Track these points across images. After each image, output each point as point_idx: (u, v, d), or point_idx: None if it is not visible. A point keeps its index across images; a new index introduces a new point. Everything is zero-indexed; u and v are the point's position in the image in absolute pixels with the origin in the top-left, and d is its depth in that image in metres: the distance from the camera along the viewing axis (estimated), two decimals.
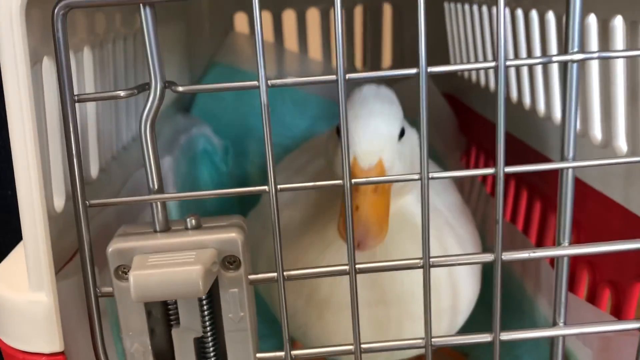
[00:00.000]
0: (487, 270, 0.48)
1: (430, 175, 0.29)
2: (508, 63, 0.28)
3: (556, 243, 0.32)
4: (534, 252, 0.31)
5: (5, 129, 0.29)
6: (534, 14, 0.52)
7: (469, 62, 0.76)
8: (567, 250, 0.31)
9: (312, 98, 0.87)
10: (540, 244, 0.56)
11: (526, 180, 0.60)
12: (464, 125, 0.81)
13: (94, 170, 0.43)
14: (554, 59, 0.29)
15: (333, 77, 0.28)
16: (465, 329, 0.47)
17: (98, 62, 0.43)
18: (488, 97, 0.71)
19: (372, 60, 0.91)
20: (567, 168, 0.30)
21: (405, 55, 0.89)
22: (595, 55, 0.29)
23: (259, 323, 0.57)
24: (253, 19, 0.95)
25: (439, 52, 0.82)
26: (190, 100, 0.85)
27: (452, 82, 0.84)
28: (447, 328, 0.45)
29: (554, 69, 0.51)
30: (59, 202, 0.35)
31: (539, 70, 0.53)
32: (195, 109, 0.84)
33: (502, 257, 0.31)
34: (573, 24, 0.28)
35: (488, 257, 0.31)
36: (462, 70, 0.29)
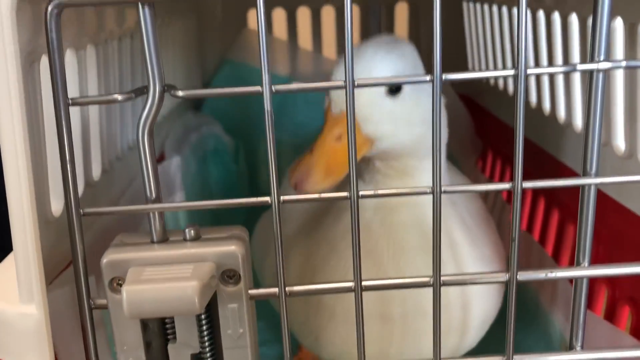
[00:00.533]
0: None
1: (443, 189, 0.28)
2: (529, 71, 0.26)
3: (575, 262, 0.30)
4: (551, 273, 0.29)
5: None
6: (556, 16, 0.50)
7: (487, 63, 0.74)
8: (586, 271, 0.29)
9: (325, 96, 0.85)
10: (557, 254, 0.54)
11: (544, 189, 0.58)
12: (480, 128, 0.79)
13: (95, 172, 0.41)
14: (579, 67, 0.27)
15: (341, 82, 0.27)
16: (482, 346, 0.45)
17: (102, 60, 0.42)
18: (506, 100, 0.69)
19: None
20: (590, 185, 0.28)
21: (422, 54, 0.87)
22: (623, 64, 0.27)
23: (264, 328, 0.55)
24: (267, 16, 0.93)
25: (457, 52, 0.80)
26: (201, 98, 0.84)
27: (468, 84, 0.82)
28: (454, 347, 0.43)
29: (576, 74, 0.49)
30: (57, 207, 0.34)
31: (560, 74, 0.51)
32: (206, 107, 0.83)
33: (518, 277, 0.29)
34: (600, 31, 0.26)
35: (502, 277, 0.29)
36: (480, 78, 0.27)
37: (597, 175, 0.28)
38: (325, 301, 0.42)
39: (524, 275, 0.29)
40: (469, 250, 0.43)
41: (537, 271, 0.29)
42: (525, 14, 0.26)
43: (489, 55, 0.72)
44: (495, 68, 0.70)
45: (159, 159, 0.59)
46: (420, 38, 0.86)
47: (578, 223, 0.29)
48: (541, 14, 0.52)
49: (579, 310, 0.30)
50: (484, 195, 0.71)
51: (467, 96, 0.82)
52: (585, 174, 0.28)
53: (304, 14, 0.86)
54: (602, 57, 0.27)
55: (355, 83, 0.26)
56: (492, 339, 0.44)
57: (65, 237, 0.33)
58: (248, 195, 0.84)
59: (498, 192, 0.68)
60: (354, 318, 0.40)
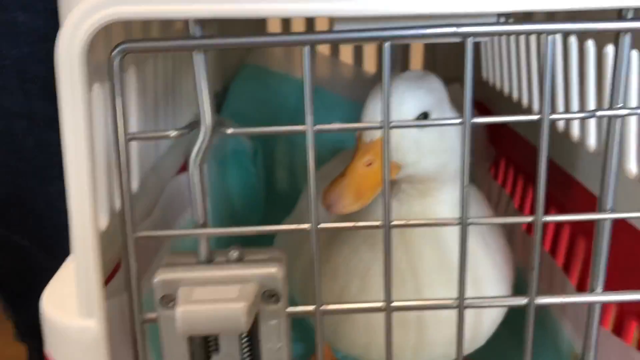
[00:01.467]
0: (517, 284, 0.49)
1: (469, 220, 0.30)
2: (552, 117, 0.28)
3: (590, 289, 0.32)
4: (567, 297, 0.32)
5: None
6: (553, 37, 0.52)
7: (501, 71, 0.76)
8: (600, 297, 0.32)
9: (343, 101, 0.87)
10: (567, 266, 0.56)
11: (555, 202, 0.60)
12: (493, 135, 0.81)
13: (134, 186, 0.44)
14: (598, 114, 0.29)
15: (378, 124, 0.29)
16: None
17: (140, 79, 0.44)
18: (519, 110, 0.71)
19: (402, 65, 0.91)
20: (605, 219, 0.30)
21: (437, 60, 0.89)
22: (639, 111, 0.29)
23: None
24: (285, 21, 0.94)
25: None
26: (220, 101, 0.86)
27: (482, 90, 0.84)
28: (466, 351, 0.45)
29: (591, 94, 0.51)
30: (103, 221, 0.36)
31: (574, 94, 0.53)
32: (225, 110, 0.85)
33: (536, 301, 0.31)
34: (618, 79, 0.29)
35: (522, 301, 0.32)
36: (507, 122, 0.29)
37: (613, 211, 0.30)
38: (345, 298, 0.44)
39: (542, 300, 0.31)
40: (483, 257, 0.45)
41: (555, 296, 0.32)
42: (551, 65, 0.28)
43: (503, 63, 0.74)
44: (510, 77, 0.72)
45: (183, 167, 0.61)
46: (436, 44, 0.88)
47: (593, 253, 0.32)
48: (557, 39, 0.54)
49: (591, 332, 0.33)
50: (497, 201, 0.73)
51: (481, 102, 0.84)
52: (602, 209, 0.30)
53: (321, 18, 0.88)
54: (619, 104, 0.29)
55: (391, 124, 0.29)
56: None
57: (106, 249, 0.35)
58: (265, 197, 0.86)
59: (510, 200, 0.71)
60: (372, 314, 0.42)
